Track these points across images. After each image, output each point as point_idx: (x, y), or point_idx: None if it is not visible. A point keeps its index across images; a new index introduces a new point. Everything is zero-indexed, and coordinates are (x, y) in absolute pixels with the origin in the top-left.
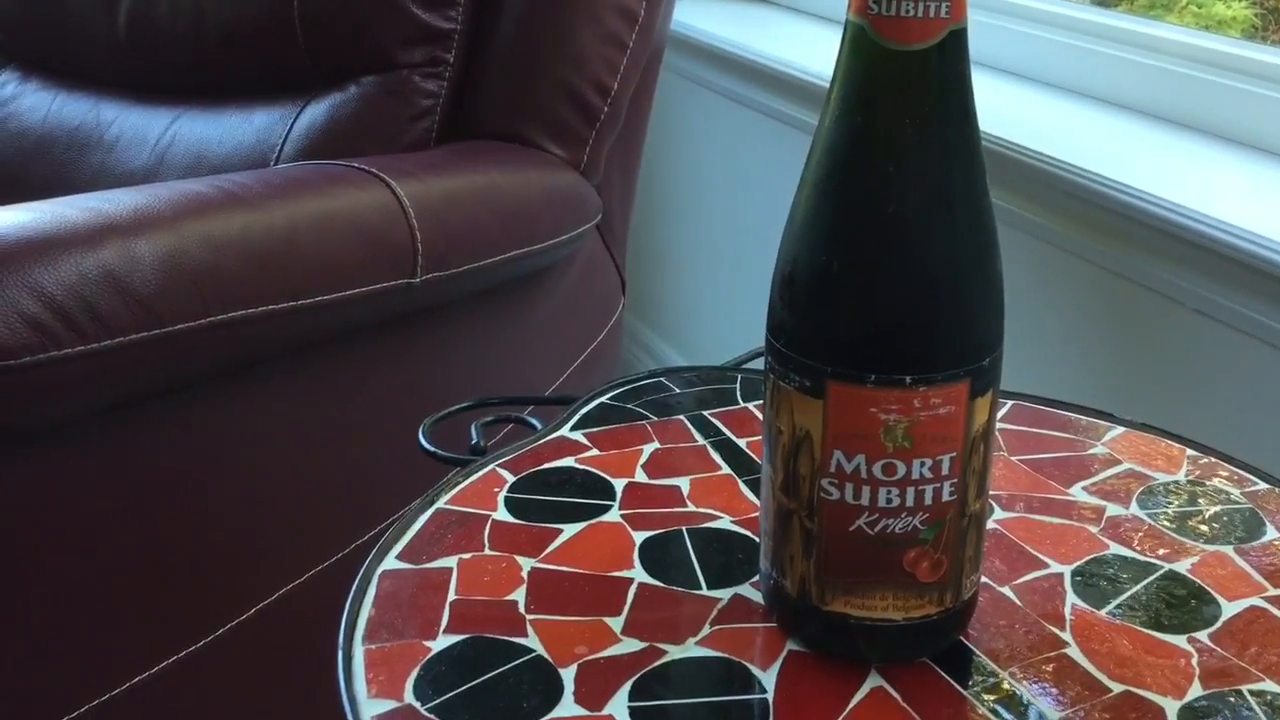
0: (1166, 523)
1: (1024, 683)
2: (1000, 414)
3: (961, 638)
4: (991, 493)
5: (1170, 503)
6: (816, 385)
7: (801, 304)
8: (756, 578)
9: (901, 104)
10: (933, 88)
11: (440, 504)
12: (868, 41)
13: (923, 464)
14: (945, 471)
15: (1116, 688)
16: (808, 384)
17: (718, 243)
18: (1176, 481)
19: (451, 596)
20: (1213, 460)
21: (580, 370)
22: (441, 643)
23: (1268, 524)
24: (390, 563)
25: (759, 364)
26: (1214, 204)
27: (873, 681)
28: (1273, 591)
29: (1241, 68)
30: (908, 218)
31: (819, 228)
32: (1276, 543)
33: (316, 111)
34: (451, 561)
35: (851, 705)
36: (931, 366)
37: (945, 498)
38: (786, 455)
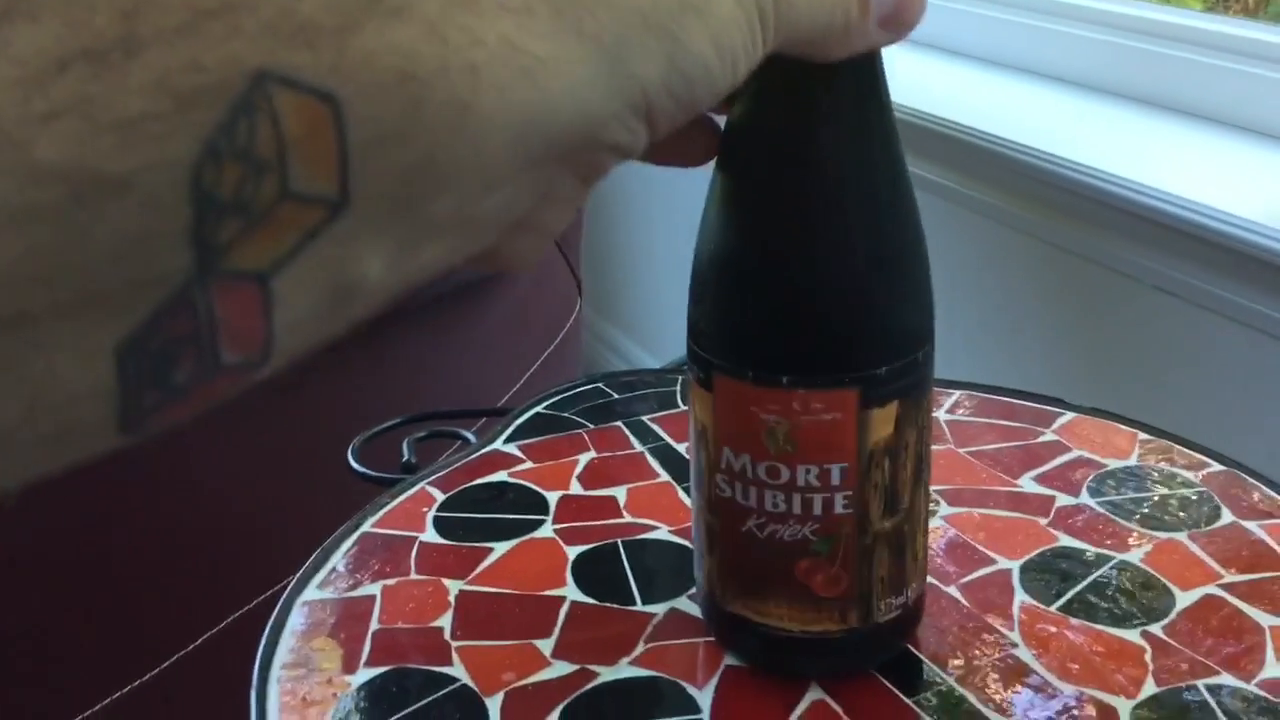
0: (1117, 511)
1: (972, 689)
2: (946, 404)
3: (908, 645)
4: (937, 488)
5: (1121, 490)
6: (707, 378)
7: (695, 293)
8: (693, 590)
9: (791, 82)
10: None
11: (365, 527)
12: None
13: (807, 471)
14: (835, 482)
15: (1068, 689)
16: (701, 376)
17: (680, 235)
18: (1128, 468)
19: (374, 626)
20: (1166, 443)
21: (536, 378)
22: (361, 676)
23: (1224, 508)
24: (311, 593)
25: None
26: (1171, 179)
27: (813, 695)
28: (1229, 578)
29: (1199, 40)
30: (790, 205)
31: (708, 215)
32: (1232, 527)
33: None
34: (375, 589)
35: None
36: (813, 369)
37: (838, 510)
38: (693, 449)
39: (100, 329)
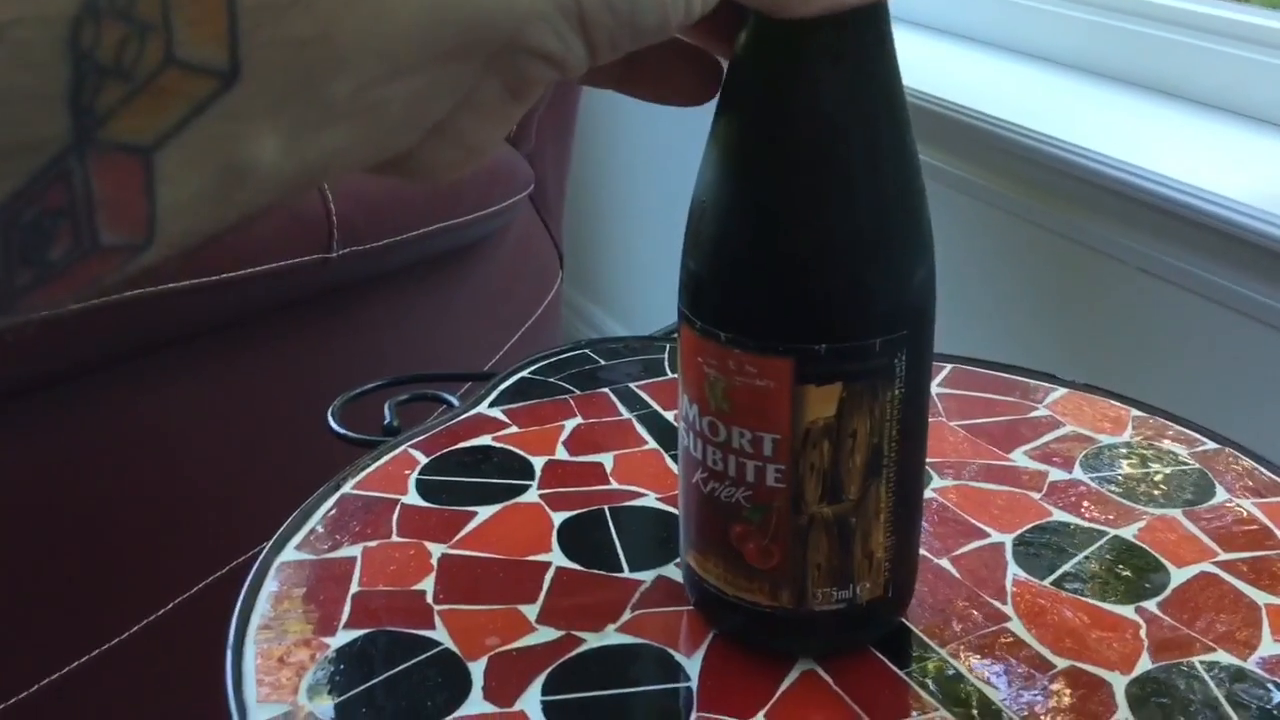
0: (1112, 487)
1: (965, 662)
2: (937, 379)
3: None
4: (931, 460)
5: (1116, 466)
6: (679, 322)
7: (685, 237)
8: (681, 558)
9: (784, 30)
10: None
11: (346, 489)
12: None
13: (741, 434)
14: (767, 453)
15: (1062, 663)
16: (681, 319)
17: (657, 211)
18: (1122, 444)
19: (354, 589)
20: (1159, 421)
21: (517, 348)
22: (341, 639)
23: (1218, 485)
24: (289, 554)
25: None
26: (1154, 158)
27: (803, 665)
28: (1224, 556)
29: (1184, 21)
30: (761, 151)
31: (702, 158)
32: (1227, 505)
33: None
34: (355, 550)
35: (780, 691)
36: (746, 330)
37: (770, 482)
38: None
39: None
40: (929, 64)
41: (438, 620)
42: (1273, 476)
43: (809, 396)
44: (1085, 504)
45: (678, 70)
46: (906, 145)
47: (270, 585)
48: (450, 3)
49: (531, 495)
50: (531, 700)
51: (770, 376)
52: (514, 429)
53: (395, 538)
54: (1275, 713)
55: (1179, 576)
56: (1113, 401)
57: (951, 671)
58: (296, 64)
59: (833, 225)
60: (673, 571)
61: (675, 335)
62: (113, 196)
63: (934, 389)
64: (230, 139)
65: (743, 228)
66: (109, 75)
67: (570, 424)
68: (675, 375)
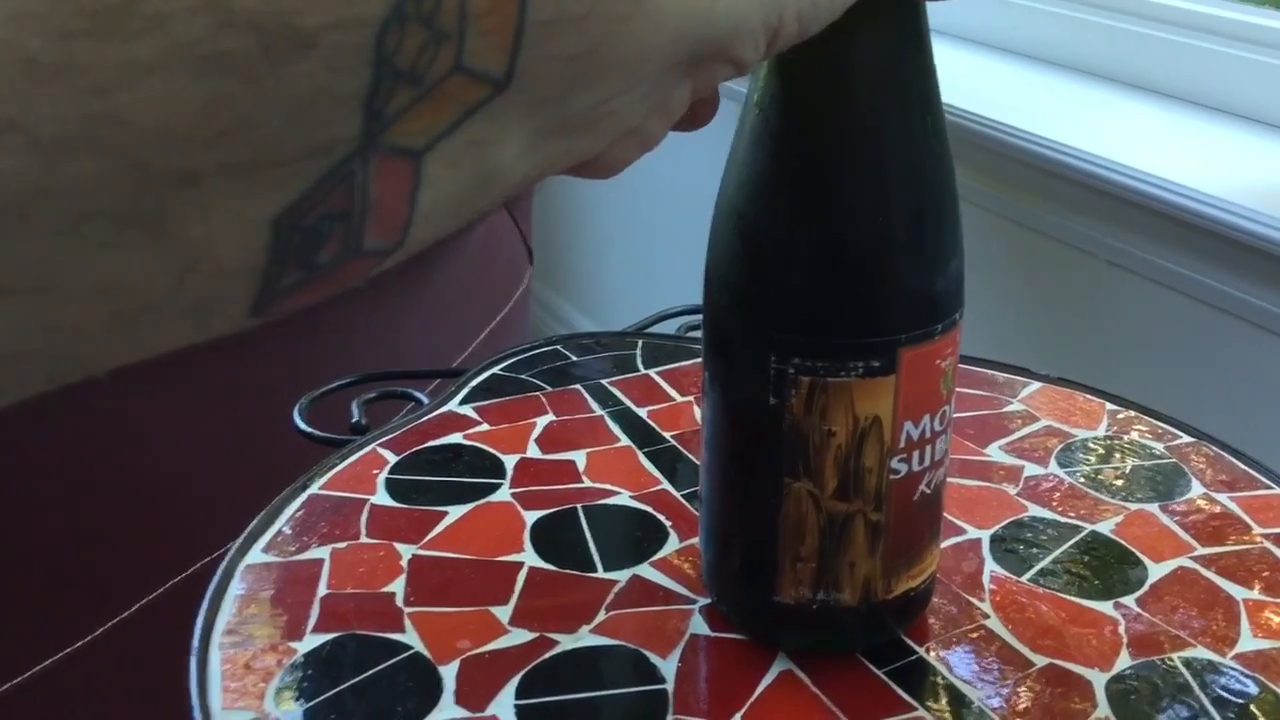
0: (1087, 481)
1: (942, 660)
2: None
3: None
4: None
5: (1090, 460)
6: (888, 362)
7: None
8: (656, 557)
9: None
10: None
11: (313, 489)
12: None
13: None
14: (940, 427)
15: (1041, 660)
16: (878, 364)
17: (628, 207)
18: (1096, 437)
19: (322, 591)
20: (1133, 414)
21: (486, 344)
22: (308, 643)
23: (1192, 479)
24: (255, 556)
25: (662, 328)
26: (1124, 151)
27: (781, 665)
28: (1201, 550)
29: (1154, 15)
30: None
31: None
32: (1202, 498)
33: None
34: (323, 552)
35: (758, 693)
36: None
37: (938, 455)
38: (817, 454)
39: (265, 196)
40: None
41: (408, 623)
42: (1246, 469)
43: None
44: (1061, 499)
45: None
46: (944, 124)
47: (236, 588)
48: (696, 22)
49: (503, 494)
50: (504, 704)
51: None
52: (485, 426)
53: (364, 539)
54: (1255, 708)
55: (1156, 572)
56: (1087, 396)
57: (930, 670)
58: (561, 77)
59: (946, 207)
60: (647, 571)
61: (646, 331)
62: (383, 200)
63: None
64: (486, 144)
65: (927, 227)
66: (403, 80)
67: (542, 421)
68: (648, 372)
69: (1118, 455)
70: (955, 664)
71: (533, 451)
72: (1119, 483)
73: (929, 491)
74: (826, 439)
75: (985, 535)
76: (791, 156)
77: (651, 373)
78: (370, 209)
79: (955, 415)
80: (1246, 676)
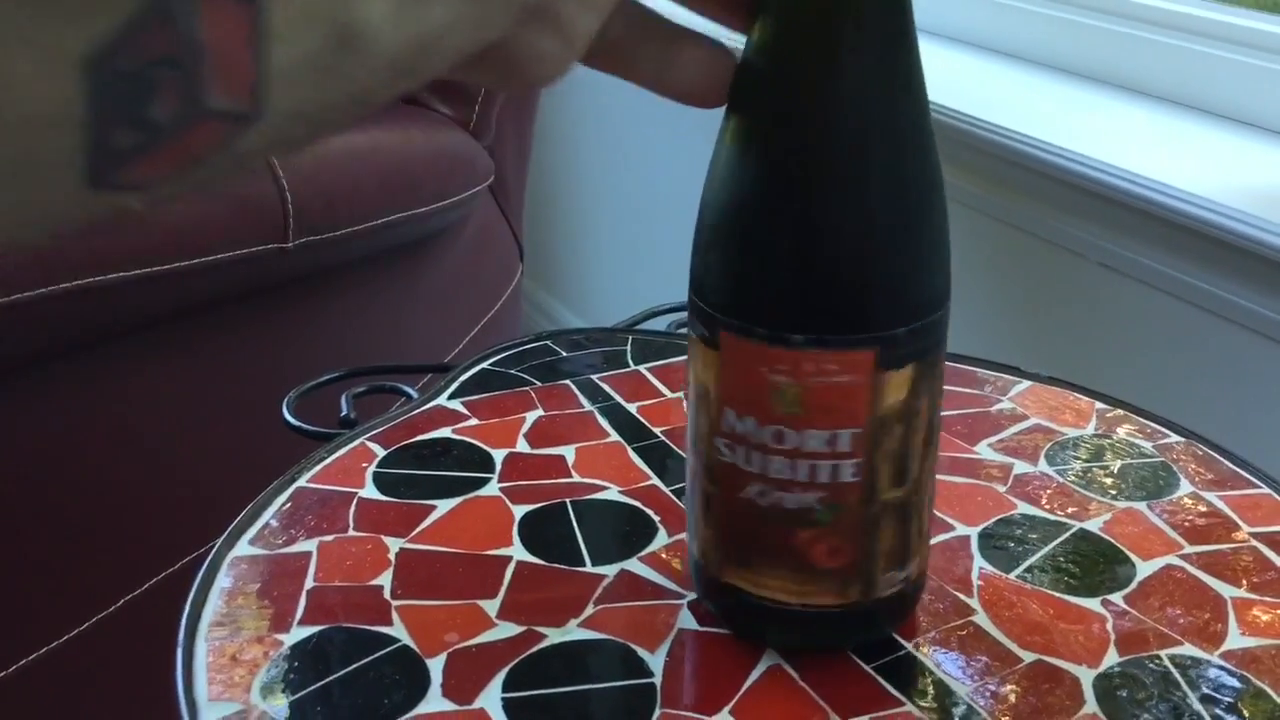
0: (1076, 479)
1: (931, 656)
2: None
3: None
4: None
5: (1079, 458)
6: (713, 336)
7: (700, 243)
8: (645, 552)
9: (813, 17)
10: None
11: (301, 482)
12: None
13: (815, 436)
14: (844, 449)
15: (1028, 657)
16: (706, 333)
17: (618, 205)
18: (1085, 436)
19: (309, 584)
20: (1122, 413)
21: (475, 342)
22: (295, 636)
23: (1181, 477)
24: (242, 548)
25: (652, 325)
26: (1114, 153)
27: (769, 660)
28: (1189, 549)
29: (1143, 16)
30: (813, 147)
31: (718, 157)
32: (1190, 497)
33: None
34: (311, 545)
35: (745, 687)
36: (828, 328)
37: (846, 478)
38: (690, 409)
39: (69, 26)
40: None
41: (395, 616)
42: (1234, 468)
43: (889, 383)
44: (1050, 496)
45: (682, 61)
46: (929, 118)
47: (223, 581)
48: None
49: (492, 488)
50: (492, 697)
51: (852, 370)
52: (474, 421)
53: (352, 532)
54: (1241, 705)
55: (1144, 569)
56: (1076, 394)
57: (918, 666)
58: None
59: (910, 200)
60: (636, 566)
61: (636, 327)
62: (219, 46)
63: None
64: None
65: (812, 229)
66: None
67: (531, 416)
68: (638, 368)
69: (1107, 454)
70: (943, 660)
71: (522, 446)
72: (1108, 481)
73: (760, 504)
74: (691, 387)
75: (974, 532)
76: (723, 147)
77: (641, 369)
78: (203, 55)
79: (946, 413)
80: (1233, 674)
